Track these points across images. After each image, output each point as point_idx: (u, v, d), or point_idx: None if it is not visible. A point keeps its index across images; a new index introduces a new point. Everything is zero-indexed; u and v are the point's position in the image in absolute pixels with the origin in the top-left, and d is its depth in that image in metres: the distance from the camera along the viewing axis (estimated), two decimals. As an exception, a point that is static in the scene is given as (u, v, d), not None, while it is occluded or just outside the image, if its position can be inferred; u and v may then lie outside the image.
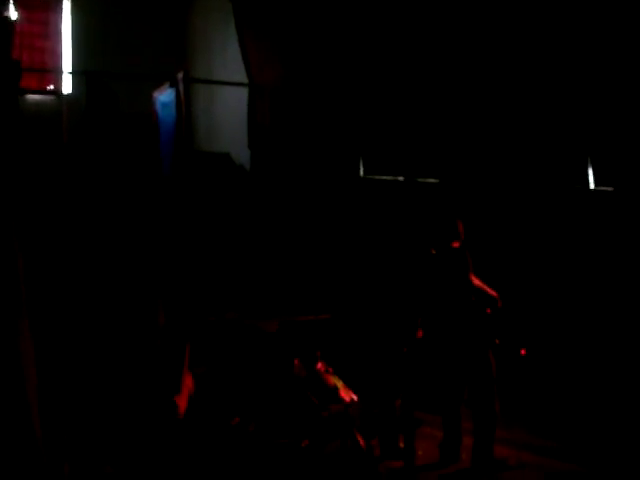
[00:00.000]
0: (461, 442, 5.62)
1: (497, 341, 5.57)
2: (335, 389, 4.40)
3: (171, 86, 8.12)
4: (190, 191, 7.60)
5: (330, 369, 4.56)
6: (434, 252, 5.38)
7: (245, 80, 8.41)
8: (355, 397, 4.40)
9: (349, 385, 4.49)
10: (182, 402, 4.20)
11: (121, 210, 7.42)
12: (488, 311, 5.48)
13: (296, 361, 4.57)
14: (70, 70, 9.83)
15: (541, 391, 7.15)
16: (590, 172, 9.64)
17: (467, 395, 5.62)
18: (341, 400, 4.37)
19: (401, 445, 5.12)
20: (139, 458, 4.47)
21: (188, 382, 4.39)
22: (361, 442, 4.24)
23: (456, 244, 5.70)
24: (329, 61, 8.44)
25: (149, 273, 4.55)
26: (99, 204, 7.49)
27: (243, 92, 8.45)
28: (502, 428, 5.65)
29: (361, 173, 8.84)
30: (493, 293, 5.54)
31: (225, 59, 9.13)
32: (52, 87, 9.88)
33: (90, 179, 7.76)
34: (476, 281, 5.59)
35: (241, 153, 8.52)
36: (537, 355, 6.89)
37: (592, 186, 9.62)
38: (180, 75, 8.03)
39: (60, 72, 9.81)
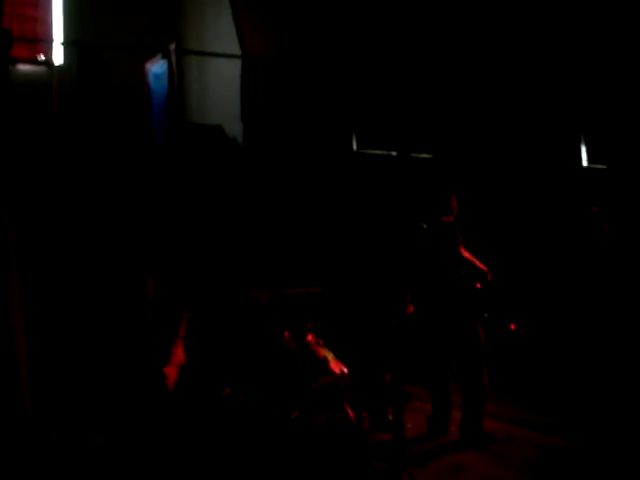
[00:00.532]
0: (450, 415, 5.67)
1: (486, 315, 5.59)
2: (325, 361, 4.42)
3: (163, 57, 8.04)
4: (182, 163, 7.56)
5: (320, 341, 4.57)
6: (425, 226, 5.38)
7: (238, 52, 8.34)
8: (345, 369, 4.42)
9: (339, 358, 4.52)
10: (172, 373, 4.21)
11: (112, 181, 7.38)
12: (478, 285, 5.48)
13: (286, 333, 4.58)
14: (61, 40, 9.72)
15: (530, 366, 7.21)
16: (583, 149, 9.64)
17: (456, 369, 5.66)
18: (331, 372, 4.39)
19: (390, 418, 5.15)
20: (129, 429, 4.49)
21: (179, 353, 4.39)
22: (350, 414, 4.26)
23: (449, 218, 5.70)
24: (323, 33, 8.37)
25: (139, 245, 4.54)
26: (89, 175, 7.45)
27: (236, 64, 8.38)
28: (491, 402, 5.69)
29: (354, 147, 8.81)
30: (483, 267, 5.54)
31: (218, 30, 9.04)
32: (43, 57, 9.76)
33: (80, 150, 7.71)
34: (466, 254, 5.58)
35: (233, 126, 8.47)
36: (527, 330, 6.92)
37: (585, 163, 9.62)
38: (172, 46, 7.95)
39: (51, 42, 9.69)
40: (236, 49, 8.34)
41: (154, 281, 4.30)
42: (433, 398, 5.69)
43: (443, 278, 5.57)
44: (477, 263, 5.55)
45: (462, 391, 5.56)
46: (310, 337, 4.60)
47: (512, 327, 6.25)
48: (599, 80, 9.27)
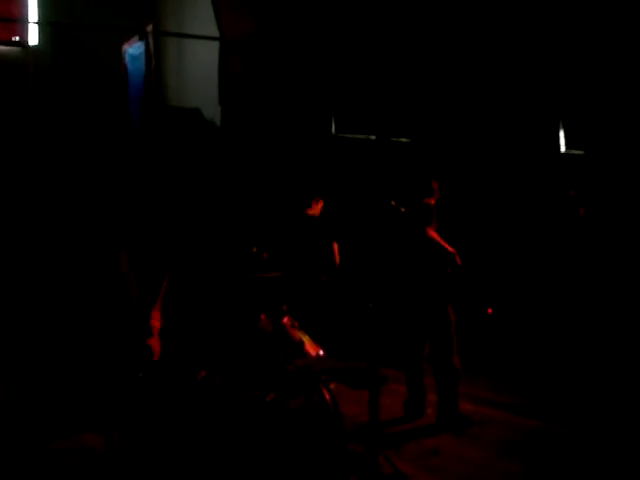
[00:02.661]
0: (425, 398, 5.68)
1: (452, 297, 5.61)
2: (301, 343, 4.40)
3: (140, 39, 7.95)
4: (159, 146, 7.49)
5: (296, 323, 4.55)
6: (400, 208, 5.33)
7: (217, 34, 8.25)
8: (322, 352, 4.40)
9: (315, 340, 4.51)
10: (155, 344, 4.17)
11: (88, 163, 7.31)
12: (447, 270, 5.49)
13: (262, 315, 4.56)
14: (36, 20, 9.55)
15: (506, 349, 7.25)
16: (561, 135, 9.69)
17: (428, 351, 5.68)
18: (307, 354, 4.37)
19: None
20: (105, 415, 4.46)
21: (157, 324, 4.33)
22: (327, 397, 4.24)
23: (430, 201, 5.67)
24: (302, 16, 8.31)
25: (115, 225, 4.49)
26: (65, 156, 7.37)
27: (214, 46, 8.29)
28: (467, 385, 5.72)
29: (333, 131, 8.77)
30: (451, 249, 5.52)
31: (196, 12, 8.94)
32: (17, 38, 9.59)
33: (57, 132, 7.62)
34: (434, 236, 5.55)
35: (211, 109, 8.39)
36: (503, 313, 6.97)
37: (563, 149, 9.68)
38: (149, 28, 7.86)
39: (26, 22, 9.52)
40: (214, 31, 8.25)
41: (129, 259, 4.25)
42: (407, 381, 5.71)
43: (413, 260, 5.58)
44: (445, 245, 5.53)
45: (434, 373, 5.59)
46: (286, 319, 4.58)
47: (489, 311, 6.28)
48: (578, 67, 9.30)
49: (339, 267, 6.58)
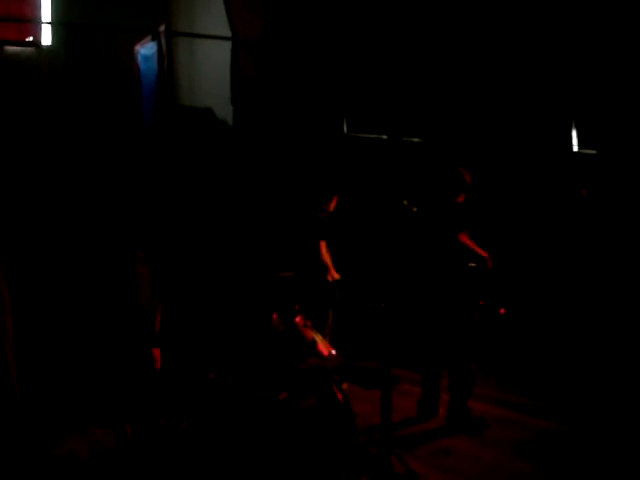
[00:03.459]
0: (439, 398, 5.67)
1: (481, 302, 5.57)
2: (313, 343, 4.41)
3: (153, 39, 7.97)
4: (171, 145, 7.52)
5: (308, 323, 4.57)
6: (414, 208, 5.29)
7: (229, 34, 8.27)
8: (334, 351, 4.41)
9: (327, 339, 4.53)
10: (158, 354, 4.20)
11: (101, 163, 7.34)
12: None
13: (275, 315, 4.57)
14: (49, 21, 9.61)
15: (518, 349, 7.23)
16: (574, 134, 9.64)
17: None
18: (319, 354, 4.38)
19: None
20: (117, 411, 4.49)
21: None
22: (339, 396, 4.25)
23: (459, 198, 5.58)
24: (314, 16, 8.31)
25: (128, 226, 4.51)
26: (79, 157, 7.41)
27: (226, 46, 8.31)
28: (479, 385, 5.70)
29: (345, 130, 8.77)
30: (483, 254, 5.47)
31: (208, 12, 8.96)
32: (31, 39, 9.65)
33: (70, 132, 7.66)
34: (466, 241, 5.49)
35: (223, 108, 8.41)
36: (515, 313, 6.92)
37: (575, 148, 9.63)
38: (162, 28, 7.89)
39: (39, 23, 9.58)
40: (226, 31, 8.27)
41: (147, 262, 4.28)
42: (423, 381, 5.69)
43: (441, 262, 5.50)
44: (478, 250, 5.47)
45: (450, 375, 5.57)
46: (298, 319, 4.59)
47: (502, 311, 6.25)
48: (591, 66, 9.26)
49: (328, 266, 6.58)
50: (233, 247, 7.04)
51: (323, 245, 6.61)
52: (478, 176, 8.46)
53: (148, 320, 4.35)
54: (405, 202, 4.92)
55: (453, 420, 5.50)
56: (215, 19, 8.53)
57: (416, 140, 9.02)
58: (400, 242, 5.69)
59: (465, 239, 5.49)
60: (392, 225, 5.57)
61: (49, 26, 9.53)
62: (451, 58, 8.81)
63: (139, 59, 8.23)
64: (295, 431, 4.14)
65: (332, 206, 6.65)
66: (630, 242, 7.35)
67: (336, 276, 6.59)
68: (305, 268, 6.20)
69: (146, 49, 8.08)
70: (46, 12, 9.69)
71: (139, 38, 8.22)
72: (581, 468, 4.76)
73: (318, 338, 4.47)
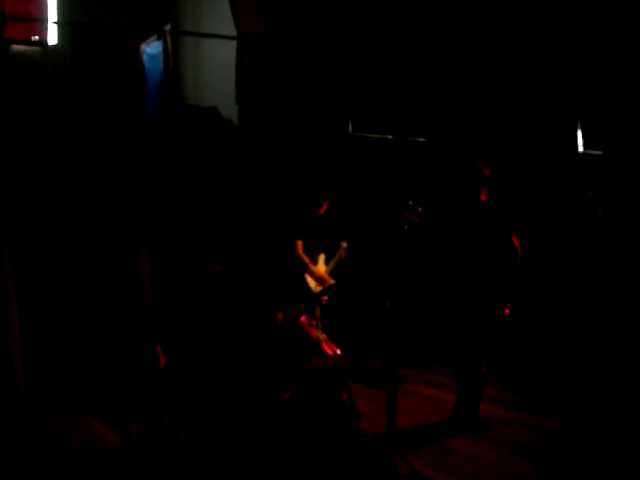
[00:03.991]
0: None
1: (508, 305, 5.47)
2: (318, 342, 4.41)
3: (158, 38, 8.00)
4: (177, 144, 7.53)
5: (313, 322, 4.57)
6: (420, 209, 5.18)
7: (234, 33, 8.28)
8: (339, 351, 4.41)
9: (332, 339, 4.52)
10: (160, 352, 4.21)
11: (107, 161, 7.36)
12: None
13: (279, 314, 4.57)
14: (55, 20, 9.63)
15: (521, 349, 7.23)
16: (579, 135, 9.64)
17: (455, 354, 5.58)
18: (324, 353, 4.38)
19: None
20: (123, 409, 4.49)
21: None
22: (344, 396, 4.25)
23: (483, 196, 5.45)
24: (319, 15, 8.31)
25: (134, 224, 4.52)
26: (84, 155, 7.42)
27: (232, 45, 8.31)
28: (486, 387, 5.70)
29: (350, 130, 8.77)
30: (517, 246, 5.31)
31: (214, 11, 8.97)
32: (37, 38, 9.67)
33: (76, 131, 7.67)
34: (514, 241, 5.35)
35: (229, 107, 8.42)
36: (519, 314, 6.90)
37: (581, 149, 9.63)
38: (167, 27, 7.91)
39: (45, 22, 9.60)
40: (232, 30, 8.28)
41: (149, 260, 4.28)
42: (460, 388, 5.52)
43: (470, 260, 5.34)
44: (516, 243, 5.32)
45: (458, 375, 5.52)
46: (303, 318, 4.59)
47: (506, 311, 6.21)
48: (596, 66, 9.25)
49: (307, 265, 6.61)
50: (236, 245, 7.05)
51: (299, 245, 6.66)
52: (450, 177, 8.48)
53: (152, 317, 4.35)
54: (410, 202, 4.90)
55: (460, 421, 5.46)
56: (220, 18, 8.54)
57: (421, 140, 9.03)
58: (406, 242, 5.67)
59: (515, 239, 5.33)
60: (397, 225, 5.55)
61: (55, 25, 9.55)
62: (457, 58, 8.81)
63: (145, 58, 8.25)
64: (300, 430, 4.14)
65: (322, 210, 6.74)
66: (635, 242, 7.34)
67: (329, 280, 6.64)
68: (283, 267, 6.22)
69: (152, 48, 8.10)
70: (52, 11, 9.72)
71: (145, 37, 8.25)
72: (584, 469, 4.76)
73: (323, 337, 4.48)
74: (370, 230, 7.39)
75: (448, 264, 5.50)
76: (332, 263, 6.84)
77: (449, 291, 5.50)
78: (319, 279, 6.69)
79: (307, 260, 6.69)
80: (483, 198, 5.48)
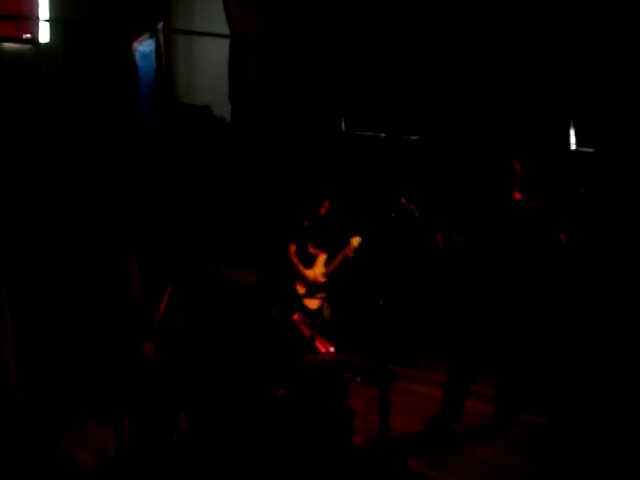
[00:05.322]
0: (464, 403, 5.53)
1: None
2: (311, 340, 4.42)
3: (151, 37, 7.98)
4: (169, 143, 7.52)
5: (307, 320, 4.57)
6: (414, 208, 5.08)
7: (227, 32, 8.27)
8: (332, 348, 4.42)
9: (325, 337, 4.52)
10: (150, 349, 4.21)
11: (98, 160, 7.34)
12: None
13: (273, 312, 4.58)
14: (47, 18, 9.60)
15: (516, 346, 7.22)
16: (572, 133, 9.65)
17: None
18: (317, 351, 4.39)
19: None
20: (115, 408, 4.49)
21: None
22: (336, 393, 4.26)
23: (517, 194, 5.24)
24: (312, 14, 8.31)
25: (124, 223, 4.51)
26: (76, 154, 7.40)
27: (225, 44, 8.31)
28: (476, 383, 5.70)
29: (343, 128, 8.77)
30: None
31: (207, 10, 8.97)
32: (29, 36, 9.64)
33: (67, 129, 7.65)
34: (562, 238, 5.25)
35: (222, 106, 8.42)
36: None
37: (573, 147, 9.64)
38: (160, 25, 7.89)
39: (37, 20, 9.57)
40: (225, 29, 8.27)
41: (138, 259, 4.28)
42: (447, 384, 5.43)
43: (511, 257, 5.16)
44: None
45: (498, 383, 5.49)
46: (296, 316, 4.60)
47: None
48: (589, 64, 9.26)
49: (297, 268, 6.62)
50: (228, 243, 7.06)
51: (292, 249, 6.67)
52: (477, 173, 8.47)
53: (141, 315, 4.35)
54: (403, 200, 4.90)
55: (500, 431, 5.35)
56: (213, 17, 8.54)
57: (415, 138, 9.03)
58: (401, 241, 5.66)
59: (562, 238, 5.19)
60: (392, 224, 5.55)
61: (47, 23, 9.53)
62: (450, 56, 8.81)
63: (137, 56, 8.23)
64: (293, 428, 4.15)
65: (324, 209, 6.73)
66: (629, 241, 7.36)
67: (320, 280, 6.64)
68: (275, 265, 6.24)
69: (144, 46, 8.09)
70: (44, 9, 9.69)
71: (137, 35, 8.23)
72: (578, 466, 4.77)
73: (316, 335, 4.48)
74: (364, 229, 7.39)
75: (488, 267, 5.28)
76: (333, 265, 6.81)
77: (492, 294, 5.28)
78: (310, 283, 6.67)
79: (299, 264, 6.67)
80: (518, 197, 5.27)
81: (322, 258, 6.81)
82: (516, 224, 5.17)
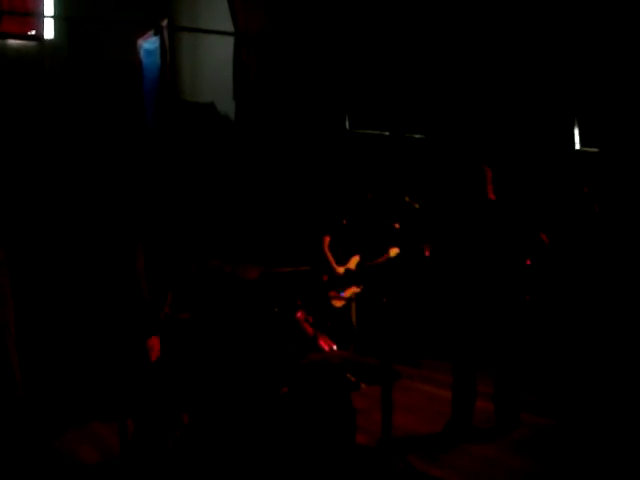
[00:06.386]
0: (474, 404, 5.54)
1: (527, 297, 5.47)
2: (314, 338, 4.42)
3: (155, 34, 7.98)
4: (173, 140, 7.53)
5: (310, 318, 4.57)
6: (417, 205, 5.13)
7: (231, 29, 8.27)
8: (335, 346, 4.42)
9: (328, 335, 4.52)
10: (155, 344, 4.21)
11: (103, 157, 7.35)
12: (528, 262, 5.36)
13: (276, 310, 4.58)
14: (52, 15, 9.60)
15: (517, 346, 7.21)
16: (576, 132, 9.64)
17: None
18: (320, 349, 4.39)
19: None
20: (119, 405, 4.50)
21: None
22: (340, 391, 4.25)
23: (491, 195, 5.45)
24: (316, 11, 8.30)
25: (130, 220, 4.52)
26: (80, 150, 7.41)
27: (229, 41, 8.31)
28: (478, 382, 5.69)
29: (347, 126, 8.77)
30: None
31: (211, 7, 8.97)
32: (33, 32, 9.64)
33: (72, 126, 7.66)
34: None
35: (226, 103, 8.42)
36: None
37: (578, 146, 9.63)
38: (165, 22, 7.89)
39: (42, 17, 9.57)
40: (229, 26, 8.27)
41: (145, 256, 4.28)
42: (455, 385, 5.44)
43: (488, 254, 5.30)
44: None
45: (496, 381, 5.49)
46: (300, 314, 4.60)
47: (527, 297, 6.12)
48: (593, 63, 9.24)
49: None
50: (234, 241, 7.06)
51: (326, 241, 6.67)
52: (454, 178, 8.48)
53: (148, 312, 4.36)
54: (407, 198, 4.90)
55: (504, 430, 5.37)
56: (218, 14, 8.53)
57: (419, 136, 9.02)
58: (406, 239, 5.65)
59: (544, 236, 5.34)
60: (397, 222, 5.53)
61: (51, 20, 9.53)
62: (454, 54, 8.80)
63: (142, 53, 8.24)
64: (295, 426, 4.15)
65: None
66: (632, 240, 7.35)
67: (340, 271, 6.65)
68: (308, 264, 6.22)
69: (149, 43, 8.09)
70: (49, 6, 9.69)
71: (142, 32, 8.23)
72: (579, 465, 4.77)
73: (319, 333, 4.48)
74: (367, 226, 7.38)
75: (464, 264, 5.40)
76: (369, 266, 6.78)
77: (463, 289, 5.40)
78: (338, 278, 6.67)
79: (331, 258, 6.68)
80: (492, 197, 5.46)
81: (355, 259, 6.81)
82: (489, 222, 5.37)
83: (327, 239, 6.68)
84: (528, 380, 6.66)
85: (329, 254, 6.68)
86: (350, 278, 6.68)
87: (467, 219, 5.44)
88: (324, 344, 4.43)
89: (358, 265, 6.83)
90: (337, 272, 6.66)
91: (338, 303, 6.50)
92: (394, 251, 6.61)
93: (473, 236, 5.39)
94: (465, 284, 5.38)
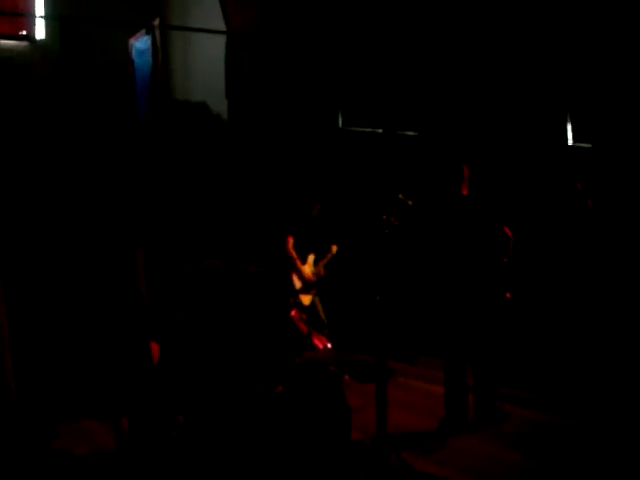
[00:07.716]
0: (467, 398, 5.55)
1: (508, 295, 5.51)
2: (308, 336, 4.42)
3: (147, 33, 7.94)
4: (166, 139, 7.51)
5: (304, 316, 4.57)
6: (410, 202, 5.21)
7: (223, 28, 8.25)
8: (329, 344, 4.42)
9: (322, 332, 4.52)
10: (155, 348, 4.20)
11: (96, 157, 7.33)
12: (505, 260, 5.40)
13: (270, 309, 4.57)
14: (43, 15, 9.56)
15: (513, 342, 7.24)
16: (569, 128, 9.67)
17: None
18: (314, 347, 4.39)
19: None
20: (114, 405, 4.49)
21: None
22: (334, 389, 4.25)
23: (465, 191, 5.54)
24: (308, 10, 8.30)
25: (127, 220, 4.50)
26: (73, 150, 7.39)
27: (221, 40, 8.29)
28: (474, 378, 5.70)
29: (340, 124, 8.77)
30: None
31: (203, 6, 8.95)
32: (24, 32, 9.60)
33: (64, 126, 7.64)
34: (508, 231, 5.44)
35: (218, 102, 8.40)
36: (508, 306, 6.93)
37: (570, 142, 9.66)
38: (156, 22, 7.86)
39: (33, 16, 9.53)
40: (221, 25, 8.25)
41: (144, 255, 4.27)
42: (447, 380, 5.47)
43: (466, 252, 5.37)
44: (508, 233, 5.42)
45: (474, 374, 5.50)
46: (294, 312, 4.60)
47: (507, 295, 6.15)
48: (586, 60, 9.27)
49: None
50: (225, 240, 7.05)
51: (290, 241, 6.73)
52: (473, 170, 8.49)
53: (146, 314, 4.35)
54: (400, 195, 4.90)
55: (482, 420, 5.40)
56: (209, 12, 8.52)
57: (411, 134, 9.03)
58: (396, 236, 5.66)
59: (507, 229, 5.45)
60: (387, 219, 5.53)
61: (43, 20, 9.49)
62: (447, 52, 8.82)
63: (133, 53, 8.20)
64: (291, 424, 4.15)
65: (315, 211, 6.80)
66: (625, 235, 7.37)
67: (312, 277, 6.69)
68: (268, 262, 6.27)
69: (140, 43, 8.05)
70: (40, 6, 9.64)
71: (133, 32, 8.19)
72: (576, 460, 4.78)
73: (313, 331, 4.48)
74: (359, 226, 7.39)
75: (438, 260, 5.51)
76: (321, 264, 6.85)
77: (443, 285, 5.49)
78: (305, 279, 6.72)
79: (297, 258, 6.73)
80: (465, 193, 5.55)
81: (311, 257, 6.86)
82: (461, 215, 5.46)
83: (291, 240, 6.76)
84: (524, 376, 6.69)
85: (295, 255, 6.75)
86: (306, 288, 6.75)
87: (442, 215, 5.54)
88: (318, 342, 4.44)
89: (314, 262, 6.89)
90: (304, 273, 6.73)
91: (305, 300, 6.55)
92: (335, 248, 6.76)
93: (448, 232, 5.48)
94: (445, 280, 5.45)
